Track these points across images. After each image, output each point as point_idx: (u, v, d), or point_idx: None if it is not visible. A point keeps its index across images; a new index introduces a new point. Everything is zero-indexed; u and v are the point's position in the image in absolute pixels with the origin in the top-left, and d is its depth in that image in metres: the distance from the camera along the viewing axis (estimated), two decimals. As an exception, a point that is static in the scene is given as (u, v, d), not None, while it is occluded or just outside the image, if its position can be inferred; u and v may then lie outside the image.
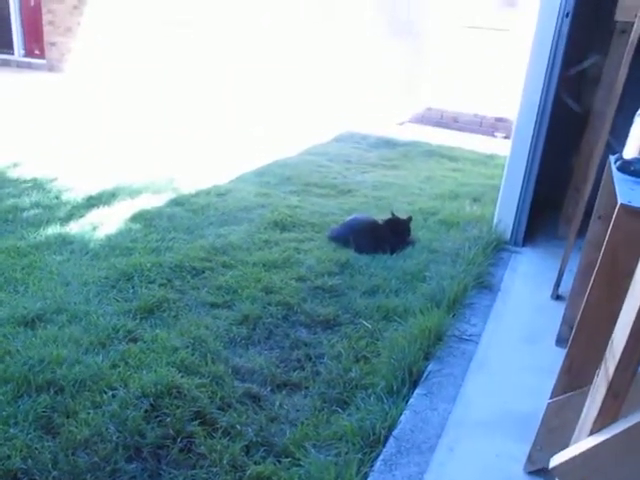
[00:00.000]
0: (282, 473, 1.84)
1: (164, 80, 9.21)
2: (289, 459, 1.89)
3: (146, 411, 2.04)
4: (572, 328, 1.77)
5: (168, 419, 2.01)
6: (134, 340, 2.49)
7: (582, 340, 1.69)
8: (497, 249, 3.71)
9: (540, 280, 3.37)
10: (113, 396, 2.11)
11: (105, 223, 3.74)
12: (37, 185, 4.39)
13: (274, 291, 2.99)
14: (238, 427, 2.02)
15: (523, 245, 3.86)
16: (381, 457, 1.90)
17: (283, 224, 3.94)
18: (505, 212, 3.83)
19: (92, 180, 4.55)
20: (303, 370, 2.39)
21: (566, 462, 1.20)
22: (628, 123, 2.03)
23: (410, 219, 3.75)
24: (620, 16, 2.98)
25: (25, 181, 4.48)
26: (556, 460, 1.23)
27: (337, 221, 4.01)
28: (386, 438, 1.98)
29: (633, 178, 1.60)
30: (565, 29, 3.38)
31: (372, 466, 1.86)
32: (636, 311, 1.09)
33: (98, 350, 2.38)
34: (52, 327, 2.51)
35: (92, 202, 4.12)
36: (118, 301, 2.79)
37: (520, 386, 2.37)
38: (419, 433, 2.03)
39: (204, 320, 2.68)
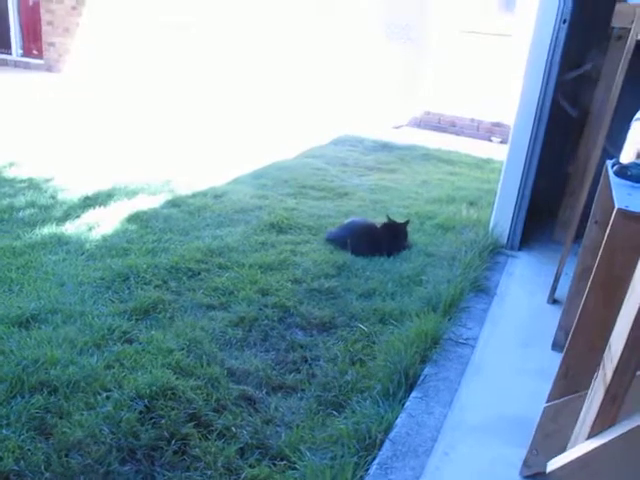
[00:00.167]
0: (277, 476, 1.83)
1: (162, 82, 9.21)
2: (284, 462, 1.89)
3: (140, 413, 2.03)
4: (568, 333, 1.77)
5: (163, 421, 2.00)
6: (129, 341, 2.47)
7: (579, 345, 1.69)
8: (493, 253, 3.72)
9: (536, 284, 3.37)
10: (107, 397, 2.09)
11: (101, 224, 3.72)
12: (33, 185, 4.37)
13: (270, 293, 2.98)
14: (233, 429, 2.01)
15: (519, 249, 3.86)
16: (377, 461, 1.89)
17: (280, 226, 3.94)
18: (501, 216, 3.84)
19: (88, 180, 4.53)
20: (299, 372, 2.39)
21: (563, 466, 1.19)
22: (624, 128, 2.04)
23: (407, 223, 3.75)
24: (617, 22, 2.99)
25: (21, 181, 4.46)
26: (553, 464, 1.22)
27: (334, 224, 4.01)
28: (382, 441, 1.97)
29: (630, 183, 1.60)
30: (562, 35, 3.40)
31: (368, 470, 1.85)
32: (634, 314, 1.09)
33: (93, 351, 2.37)
34: (47, 327, 2.50)
35: (88, 202, 4.11)
36: (113, 302, 2.78)
37: (516, 390, 2.37)
38: (415, 437, 2.03)
39: (200, 322, 2.67)
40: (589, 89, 3.73)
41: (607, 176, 1.76)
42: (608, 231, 1.44)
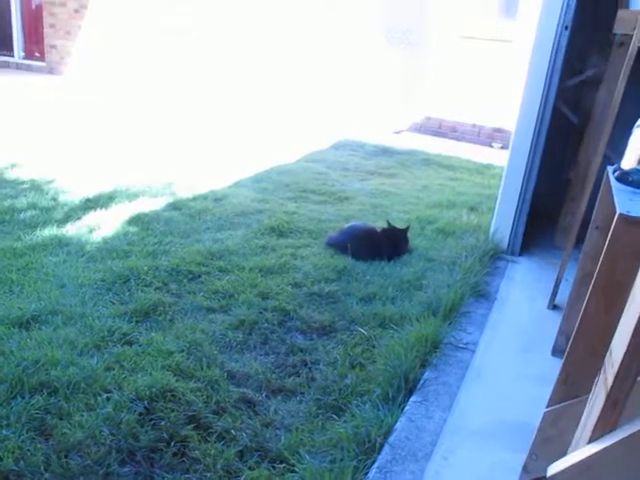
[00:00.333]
0: (276, 479, 1.83)
1: (163, 84, 9.23)
2: (283, 465, 1.88)
3: (140, 414, 2.03)
4: (568, 338, 1.77)
5: (162, 423, 2.00)
6: (129, 343, 2.47)
7: (579, 350, 1.69)
8: (494, 258, 3.72)
9: (537, 290, 3.37)
10: (107, 399, 2.09)
11: (102, 226, 3.73)
12: (34, 186, 4.37)
13: (270, 296, 2.98)
14: (233, 432, 2.00)
15: (520, 254, 3.87)
16: (376, 464, 1.89)
17: (280, 230, 3.94)
18: (502, 221, 3.85)
19: (90, 182, 4.54)
20: (298, 376, 2.38)
21: (564, 470, 1.19)
22: (626, 135, 2.04)
23: (408, 228, 3.75)
24: (619, 29, 3.01)
25: (22, 182, 4.47)
26: (554, 468, 1.22)
27: (334, 228, 4.01)
28: (381, 445, 1.96)
29: (631, 188, 1.61)
30: (564, 41, 3.41)
31: (367, 473, 1.85)
32: (636, 320, 1.09)
33: (93, 352, 2.37)
34: (47, 328, 2.50)
35: (89, 204, 4.11)
36: (114, 304, 2.78)
37: (516, 395, 2.37)
38: (414, 441, 2.02)
39: (200, 324, 2.67)
40: (590, 95, 3.74)
41: (608, 182, 1.77)
42: (609, 237, 1.45)
